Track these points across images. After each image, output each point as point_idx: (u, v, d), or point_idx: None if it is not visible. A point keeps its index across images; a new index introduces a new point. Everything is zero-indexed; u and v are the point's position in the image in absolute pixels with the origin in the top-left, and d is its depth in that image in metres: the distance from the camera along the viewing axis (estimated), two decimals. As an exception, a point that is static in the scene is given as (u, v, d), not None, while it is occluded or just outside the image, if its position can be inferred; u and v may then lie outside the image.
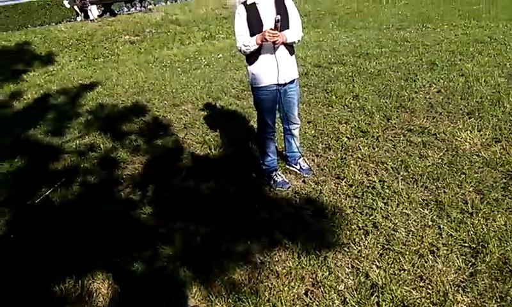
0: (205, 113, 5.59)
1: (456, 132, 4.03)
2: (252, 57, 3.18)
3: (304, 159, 3.79)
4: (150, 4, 14.27)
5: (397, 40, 8.56)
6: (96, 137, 5.14)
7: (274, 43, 2.99)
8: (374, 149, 3.95)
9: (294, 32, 3.18)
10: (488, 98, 4.82)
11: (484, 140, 3.86)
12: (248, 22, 3.07)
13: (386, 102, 5.07)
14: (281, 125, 3.69)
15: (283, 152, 3.86)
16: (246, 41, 3.07)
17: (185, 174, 3.97)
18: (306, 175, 3.63)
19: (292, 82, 3.32)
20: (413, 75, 6.00)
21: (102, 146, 4.88)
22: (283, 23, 3.02)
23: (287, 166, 3.80)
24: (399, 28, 10.13)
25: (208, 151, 4.38)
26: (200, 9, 14.17)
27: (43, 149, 5.00)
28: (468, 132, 4.00)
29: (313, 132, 4.52)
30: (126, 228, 3.21)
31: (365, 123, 4.54)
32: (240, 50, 3.20)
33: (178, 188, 3.71)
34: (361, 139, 4.21)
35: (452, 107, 4.69)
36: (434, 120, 4.42)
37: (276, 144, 3.75)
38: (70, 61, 10.19)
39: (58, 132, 5.49)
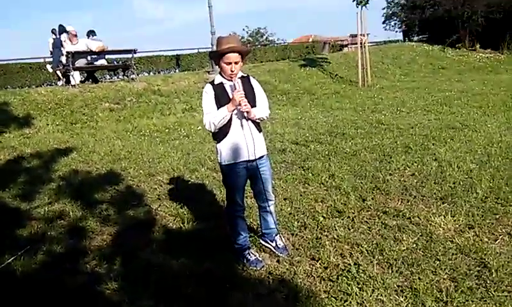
0: (181, 185, 5.53)
1: (430, 217, 4.05)
2: (220, 133, 3.19)
3: (280, 237, 3.71)
4: (133, 73, 14.47)
5: (372, 122, 8.83)
6: (66, 204, 4.99)
7: (240, 105, 3.04)
8: (349, 230, 3.92)
9: (261, 109, 3.26)
10: (461, 183, 4.91)
11: (457, 226, 3.87)
12: (215, 99, 3.13)
13: (361, 183, 5.12)
14: (255, 202, 3.64)
15: (259, 229, 3.78)
16: (214, 115, 3.10)
17: (156, 248, 3.83)
18: (281, 254, 3.54)
19: (261, 157, 3.32)
20: (387, 157, 6.12)
21: (71, 213, 4.72)
22: (250, 101, 3.13)
23: (262, 242, 3.71)
24: (374, 111, 10.50)
25: (181, 225, 4.27)
26: (182, 81, 14.45)
27: (10, 214, 4.80)
28: (442, 217, 4.02)
29: (289, 209, 4.48)
30: (89, 304, 3.02)
31: (341, 203, 4.54)
32: (208, 128, 3.19)
33: (147, 262, 3.56)
34: (337, 219, 4.18)
35: (426, 191, 4.75)
36: (409, 203, 4.46)
37: (248, 222, 3.68)
38: (48, 125, 10.10)
39: (27, 197, 5.32)
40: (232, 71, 3.11)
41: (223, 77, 3.20)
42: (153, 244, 3.91)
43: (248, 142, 3.18)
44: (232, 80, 3.15)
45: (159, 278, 3.31)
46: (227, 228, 3.89)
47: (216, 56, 3.17)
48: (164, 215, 4.57)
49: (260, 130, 3.33)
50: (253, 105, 3.20)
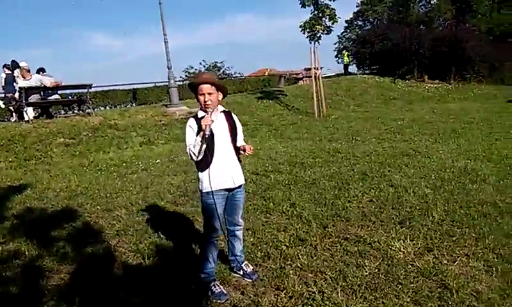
0: (139, 219, 5.39)
1: (390, 241, 4.13)
2: (203, 163, 3.31)
3: (247, 263, 3.76)
4: (89, 108, 14.19)
5: (329, 151, 9.02)
6: (22, 244, 4.72)
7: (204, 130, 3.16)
8: (312, 258, 3.93)
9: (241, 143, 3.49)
10: (417, 207, 5.07)
11: (416, 249, 3.97)
12: (198, 132, 3.25)
13: (322, 210, 5.18)
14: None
15: (227, 256, 3.78)
16: (192, 146, 3.24)
17: (115, 286, 3.69)
18: (250, 279, 3.60)
19: (239, 186, 3.50)
20: (346, 185, 6.24)
21: (27, 253, 4.48)
22: (233, 132, 3.42)
23: (231, 273, 3.73)
24: (330, 140, 10.74)
25: (141, 261, 4.14)
26: (139, 115, 14.29)
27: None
28: (402, 241, 4.11)
29: (252, 239, 4.46)
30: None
31: (303, 231, 4.56)
32: (191, 158, 3.33)
33: (107, 301, 3.42)
34: (300, 247, 4.19)
35: (385, 217, 4.86)
36: (369, 229, 4.54)
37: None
38: (0, 162, 9.70)
39: (-22, 237, 5.02)
40: (205, 101, 3.26)
41: (203, 110, 3.33)
42: (113, 282, 3.77)
43: (227, 172, 3.36)
44: (208, 112, 3.27)
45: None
46: (190, 260, 3.85)
47: (193, 89, 3.36)
48: (124, 251, 4.43)
49: (239, 161, 3.51)
50: (235, 138, 3.45)
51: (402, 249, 3.95)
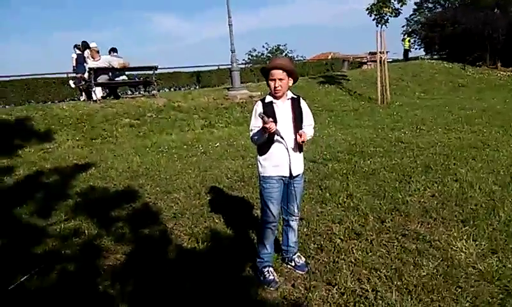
0: (197, 203, 5.50)
1: (451, 241, 3.93)
2: (263, 148, 3.34)
3: (299, 255, 3.74)
4: (154, 89, 14.63)
5: (391, 140, 8.72)
6: (82, 222, 4.98)
7: (270, 132, 3.16)
8: (367, 253, 3.82)
9: (307, 131, 3.40)
10: (483, 205, 4.78)
11: (479, 250, 3.74)
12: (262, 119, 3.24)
13: (380, 203, 5.02)
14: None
15: (281, 246, 3.75)
16: (255, 133, 3.30)
17: (169, 269, 3.79)
18: (301, 272, 3.57)
19: (297, 175, 3.45)
20: (407, 177, 6.01)
21: (86, 231, 4.71)
22: (297, 120, 3.35)
23: (282, 263, 3.73)
24: (393, 129, 10.37)
25: (196, 245, 4.22)
26: (201, 98, 14.55)
27: (26, 230, 4.82)
28: (464, 241, 3.90)
29: (305, 230, 4.41)
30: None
31: (359, 225, 4.44)
32: (252, 141, 3.40)
33: (160, 284, 3.53)
34: (355, 241, 4.09)
35: (447, 214, 4.62)
36: (429, 226, 4.34)
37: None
38: (68, 140, 10.24)
39: (44, 213, 5.33)
40: (275, 87, 3.24)
41: (272, 95, 3.33)
42: (167, 264, 3.88)
43: (287, 160, 3.32)
44: (277, 98, 3.29)
45: (171, 301, 3.27)
46: (245, 247, 3.88)
47: (264, 73, 3.34)
48: (179, 234, 4.54)
49: (300, 150, 3.46)
50: (300, 126, 3.37)
51: (463, 250, 3.74)
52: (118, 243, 4.36)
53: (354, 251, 3.85)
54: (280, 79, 3.21)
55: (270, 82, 3.26)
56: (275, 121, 3.20)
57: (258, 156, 3.43)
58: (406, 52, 32.33)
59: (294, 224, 3.66)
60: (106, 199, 5.86)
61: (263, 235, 3.52)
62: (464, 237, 3.99)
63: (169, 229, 4.67)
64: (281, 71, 3.21)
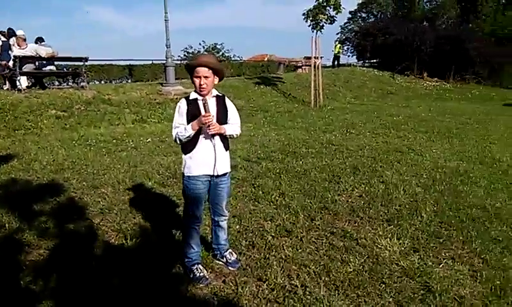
0: (125, 198, 5.30)
1: (377, 239, 4.08)
2: (188, 146, 3.24)
3: (231, 251, 3.70)
4: (84, 81, 13.98)
5: (323, 142, 8.95)
6: (3, 215, 4.62)
7: (208, 127, 3.10)
8: (297, 250, 3.87)
9: (232, 127, 3.34)
10: (407, 206, 5.02)
11: (403, 248, 3.92)
12: (187, 115, 3.18)
13: (310, 202, 5.11)
14: (209, 216, 3.64)
15: (212, 244, 3.70)
16: (181, 130, 3.16)
17: (95, 264, 3.61)
18: (232, 268, 3.55)
19: (224, 175, 3.40)
20: (336, 178, 6.18)
21: (7, 225, 4.38)
22: (221, 119, 3.27)
23: (213, 259, 3.67)
24: (325, 131, 10.66)
25: (124, 241, 4.06)
26: (134, 92, 14.11)
27: None
28: (388, 239, 4.07)
29: (237, 227, 4.39)
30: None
31: (290, 222, 4.50)
32: (175, 140, 3.25)
33: (86, 280, 3.35)
34: (286, 238, 4.14)
35: (373, 213, 4.81)
36: (356, 225, 4.49)
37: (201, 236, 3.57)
38: (-13, 130, 9.53)
39: (-42, 206, 4.92)
40: (200, 85, 3.16)
41: (197, 93, 3.24)
42: (93, 261, 3.69)
43: (212, 158, 3.26)
44: (202, 96, 3.19)
45: (96, 297, 3.11)
46: (174, 243, 3.79)
47: (189, 70, 3.22)
48: (106, 229, 4.35)
49: (227, 148, 3.40)
50: (225, 123, 3.30)
51: (388, 248, 3.90)
52: (41, 238, 4.10)
53: (285, 248, 3.89)
54: (206, 77, 3.15)
55: (195, 79, 3.17)
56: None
57: (183, 155, 3.32)
58: (336, 57, 32.06)
59: (224, 223, 3.63)
60: (29, 192, 5.48)
61: (188, 235, 3.46)
62: (389, 236, 4.17)
63: (95, 225, 4.46)
64: (206, 69, 3.15)
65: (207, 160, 3.25)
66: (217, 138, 3.26)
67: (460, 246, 4.00)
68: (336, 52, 31.80)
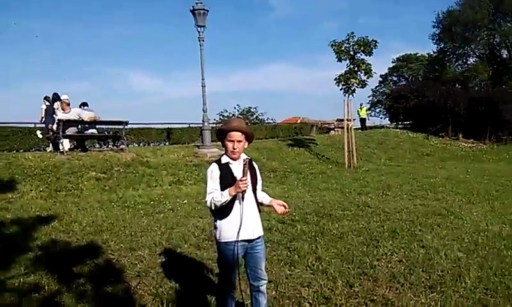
0: (162, 261, 5.33)
1: (419, 307, 3.93)
2: (222, 211, 3.23)
3: None
4: (123, 144, 14.52)
5: (358, 204, 8.84)
6: (43, 277, 4.73)
7: (243, 192, 3.13)
8: (336, 318, 3.76)
9: (263, 194, 3.51)
10: (449, 272, 4.82)
11: (447, 318, 3.75)
12: (220, 179, 3.21)
13: (348, 268, 4.99)
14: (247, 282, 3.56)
15: None
16: (217, 195, 3.16)
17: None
18: None
19: (259, 237, 3.38)
20: (374, 242, 6.05)
21: (46, 287, 4.47)
22: (253, 181, 3.30)
23: None
24: (360, 193, 10.55)
25: (160, 306, 4.06)
26: (171, 154, 14.51)
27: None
28: (431, 308, 3.90)
29: (274, 293, 4.31)
30: None
31: (328, 289, 4.39)
32: (209, 206, 3.24)
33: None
34: (324, 306, 4.03)
35: (414, 279, 4.64)
36: (397, 292, 4.33)
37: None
38: (31, 191, 9.90)
39: (3, 266, 5.05)
40: (233, 148, 3.23)
41: (228, 157, 3.31)
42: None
43: (247, 223, 3.25)
44: (234, 159, 3.28)
45: None
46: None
47: (221, 134, 3.31)
48: (143, 294, 4.35)
49: (259, 211, 3.43)
50: (255, 187, 3.37)
51: (432, 317, 3.74)
52: (79, 300, 4.14)
53: (323, 316, 3.79)
54: (239, 141, 3.23)
55: (228, 143, 3.25)
56: (235, 180, 3.17)
57: (217, 221, 3.30)
58: (363, 120, 31.05)
59: (264, 288, 3.53)
60: (68, 253, 5.62)
61: (223, 303, 3.41)
62: (432, 304, 4.00)
63: (132, 288, 4.48)
64: (240, 133, 3.24)
65: (242, 226, 3.22)
66: (252, 201, 3.30)
67: (509, 316, 3.79)
68: (363, 115, 30.99)
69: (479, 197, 9.96)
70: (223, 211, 3.23)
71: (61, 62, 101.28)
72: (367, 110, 32.12)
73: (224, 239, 3.27)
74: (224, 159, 3.31)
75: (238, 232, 3.21)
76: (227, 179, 3.20)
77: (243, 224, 3.22)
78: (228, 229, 3.24)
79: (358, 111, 29.41)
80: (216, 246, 3.39)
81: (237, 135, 3.23)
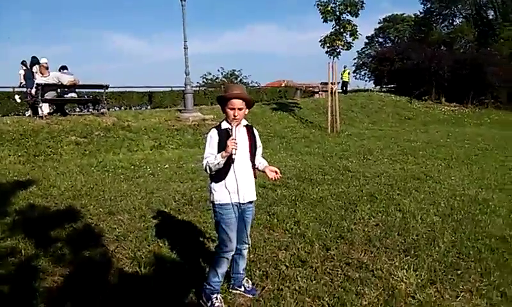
0: (141, 225, 5.33)
1: (393, 270, 4.00)
2: (220, 174, 3.30)
3: (247, 279, 3.72)
4: (104, 107, 14.28)
5: (339, 169, 8.90)
6: (20, 241, 4.70)
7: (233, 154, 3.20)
8: (311, 281, 3.82)
9: (263, 161, 3.60)
10: (424, 236, 4.93)
11: (419, 280, 3.83)
12: (219, 144, 3.27)
13: (326, 231, 5.06)
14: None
15: (231, 274, 3.66)
16: (211, 159, 3.24)
17: (109, 292, 3.63)
18: (252, 296, 3.57)
19: (251, 202, 3.47)
20: (353, 206, 6.12)
21: (23, 251, 4.45)
22: (252, 147, 3.42)
23: (230, 290, 3.66)
24: (341, 157, 10.63)
25: (138, 269, 4.07)
26: (153, 118, 14.35)
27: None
28: (405, 270, 3.98)
29: (251, 256, 4.34)
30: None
31: (305, 252, 4.45)
32: (205, 169, 3.33)
33: (98, 309, 3.36)
34: (300, 269, 4.08)
35: (390, 243, 4.73)
36: (372, 255, 4.41)
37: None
38: (9, 155, 9.77)
39: (-22, 231, 5.02)
40: (234, 116, 3.26)
41: (228, 122, 3.32)
42: (107, 289, 3.71)
43: (241, 186, 3.32)
44: (234, 125, 3.29)
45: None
46: (188, 272, 3.77)
47: (222, 101, 3.32)
48: (121, 257, 4.37)
49: (255, 177, 3.49)
50: (254, 153, 3.46)
51: (404, 280, 3.82)
52: (56, 264, 4.14)
53: (299, 279, 3.85)
54: (240, 108, 3.26)
55: (229, 110, 3.27)
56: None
57: (212, 183, 3.37)
58: (345, 84, 30.01)
59: (245, 252, 3.64)
60: (46, 218, 5.57)
61: (217, 264, 3.44)
62: (406, 267, 4.08)
63: (110, 252, 4.49)
64: (241, 100, 3.26)
65: (236, 189, 3.30)
66: (248, 167, 3.37)
67: (478, 278, 3.89)
68: (346, 78, 29.88)
69: (458, 162, 10.12)
70: (218, 175, 3.31)
71: (42, 25, 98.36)
72: (349, 74, 30.68)
73: (221, 201, 3.33)
74: (224, 125, 3.34)
75: (233, 195, 3.31)
76: (225, 144, 3.22)
77: (238, 188, 3.31)
78: (224, 192, 3.31)
79: (341, 74, 28.73)
80: (212, 208, 3.45)
81: (238, 103, 3.26)
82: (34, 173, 8.36)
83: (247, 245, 3.61)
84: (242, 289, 3.64)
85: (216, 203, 3.36)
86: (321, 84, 27.37)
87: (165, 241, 4.78)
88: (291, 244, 4.68)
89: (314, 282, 3.81)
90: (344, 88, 29.77)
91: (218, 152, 3.23)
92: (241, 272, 3.66)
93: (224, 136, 3.26)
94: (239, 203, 3.35)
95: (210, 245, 4.65)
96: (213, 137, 3.30)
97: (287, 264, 4.18)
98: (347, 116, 20.50)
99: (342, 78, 29.11)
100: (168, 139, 12.71)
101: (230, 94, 3.31)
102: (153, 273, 4.03)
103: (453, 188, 7.28)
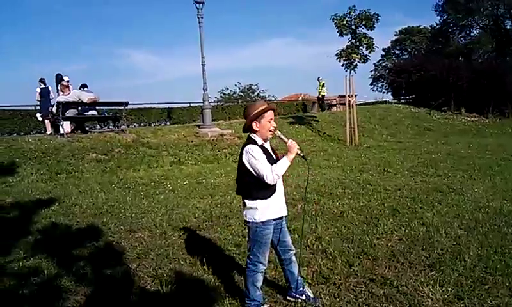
0: (162, 243, 5.34)
1: (418, 286, 3.92)
2: (268, 191, 3.33)
3: (308, 287, 3.80)
4: (124, 124, 14.48)
5: (359, 182, 8.80)
6: (42, 260, 4.76)
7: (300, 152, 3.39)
8: (335, 298, 3.76)
9: None
10: (449, 250, 4.81)
11: (446, 296, 3.74)
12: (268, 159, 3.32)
13: (348, 247, 5.00)
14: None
15: (290, 284, 3.72)
16: (277, 168, 3.27)
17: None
18: (314, 305, 3.62)
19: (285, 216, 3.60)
20: (375, 220, 6.04)
21: (46, 271, 4.49)
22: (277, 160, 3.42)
23: (290, 298, 3.73)
24: (361, 170, 10.51)
25: (159, 288, 4.06)
26: (172, 134, 14.47)
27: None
28: (430, 286, 3.90)
29: (273, 273, 4.33)
30: None
31: (327, 268, 4.40)
32: (272, 180, 3.26)
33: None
34: (323, 286, 4.03)
35: (414, 258, 4.63)
36: (396, 271, 4.33)
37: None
38: (32, 174, 9.90)
39: (2, 250, 5.07)
40: (274, 127, 3.38)
41: (259, 137, 3.38)
42: (129, 308, 3.71)
43: (282, 201, 3.48)
44: (265, 141, 3.40)
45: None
46: (209, 290, 3.76)
47: (258, 115, 3.33)
48: (143, 275, 4.38)
49: None
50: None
51: (430, 296, 3.74)
52: (79, 283, 4.17)
53: (322, 296, 3.80)
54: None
55: (267, 122, 3.33)
56: (273, 158, 3.35)
57: (257, 201, 3.32)
58: (321, 99, 25.83)
59: (294, 257, 3.70)
60: (68, 236, 5.63)
61: (255, 280, 3.46)
62: (431, 282, 3.99)
63: (132, 271, 4.50)
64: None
65: (280, 204, 3.42)
66: (280, 180, 3.42)
67: (507, 293, 3.77)
68: (322, 92, 25.29)
69: (480, 173, 9.90)
70: (267, 191, 3.31)
71: (61, 42, 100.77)
72: (323, 86, 25.03)
73: (263, 219, 3.33)
74: (259, 141, 3.37)
75: (279, 210, 3.42)
76: (268, 157, 3.31)
77: (281, 203, 3.46)
78: (269, 209, 3.33)
79: (317, 88, 25.33)
80: (251, 227, 3.40)
81: (272, 114, 3.38)
82: (56, 191, 8.47)
83: (293, 251, 3.67)
84: (303, 297, 3.67)
85: (259, 221, 3.34)
86: (338, 97, 27.23)
87: (186, 259, 4.77)
88: (313, 260, 4.63)
89: (338, 299, 3.75)
90: (320, 102, 26.05)
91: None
92: (299, 277, 3.69)
93: (264, 150, 3.31)
94: (279, 218, 3.43)
95: (231, 262, 4.63)
96: (259, 152, 3.28)
97: (310, 281, 4.13)
98: (366, 128, 20.34)
99: (319, 91, 25.36)
100: (187, 155, 12.78)
101: (271, 105, 3.43)
102: (175, 291, 4.03)
103: (477, 200, 7.11)
